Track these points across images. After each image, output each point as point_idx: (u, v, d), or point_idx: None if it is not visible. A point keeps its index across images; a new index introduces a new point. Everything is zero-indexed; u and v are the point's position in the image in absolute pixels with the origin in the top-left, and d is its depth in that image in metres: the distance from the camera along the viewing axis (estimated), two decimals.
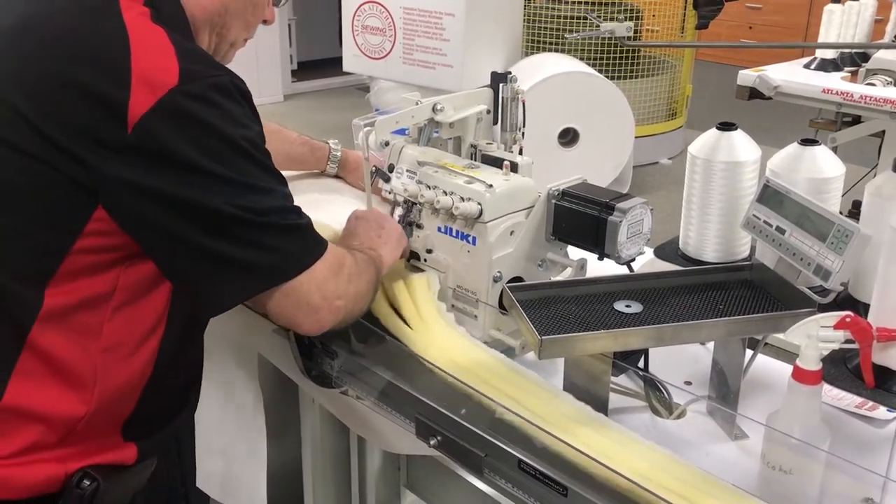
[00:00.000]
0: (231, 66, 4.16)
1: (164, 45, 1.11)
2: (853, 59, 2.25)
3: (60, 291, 1.13)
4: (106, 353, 1.17)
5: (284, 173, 1.23)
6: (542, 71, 2.30)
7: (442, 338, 1.35)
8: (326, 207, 1.78)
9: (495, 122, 1.56)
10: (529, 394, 1.20)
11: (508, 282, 1.38)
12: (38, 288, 1.12)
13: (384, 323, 1.41)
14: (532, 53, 2.61)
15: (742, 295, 1.26)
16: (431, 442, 1.28)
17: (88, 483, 1.17)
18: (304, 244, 1.21)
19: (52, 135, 1.08)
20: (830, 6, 2.29)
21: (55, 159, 1.09)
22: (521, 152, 1.54)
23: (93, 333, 1.15)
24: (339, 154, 2.04)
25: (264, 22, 1.41)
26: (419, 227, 1.48)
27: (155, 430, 1.29)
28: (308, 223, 1.23)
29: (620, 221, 1.32)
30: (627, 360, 1.32)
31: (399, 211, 1.51)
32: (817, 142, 1.50)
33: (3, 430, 1.13)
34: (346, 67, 2.68)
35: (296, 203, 1.22)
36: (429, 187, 1.43)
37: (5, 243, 1.13)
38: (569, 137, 2.34)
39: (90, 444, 1.19)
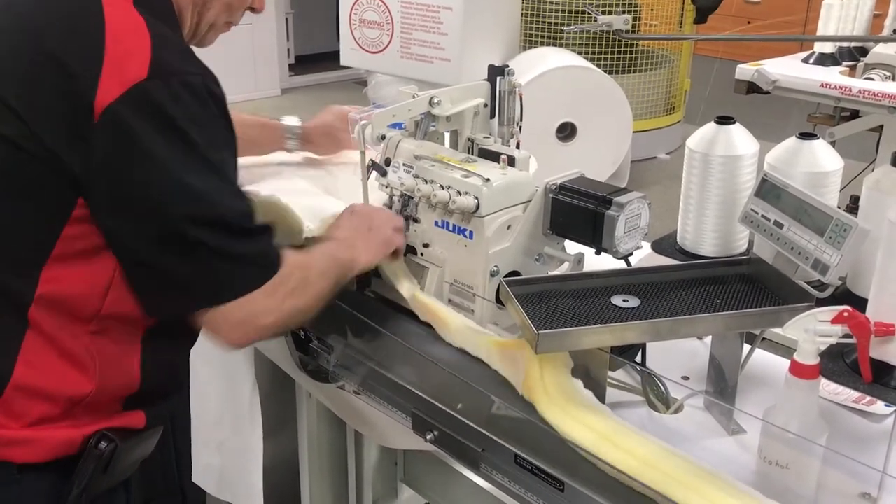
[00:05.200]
0: (229, 60, 4.14)
1: (141, 37, 1.10)
2: (851, 54, 2.25)
3: (54, 276, 1.14)
4: (98, 335, 1.19)
5: (243, 159, 1.23)
6: (540, 65, 2.30)
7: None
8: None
9: (492, 116, 1.55)
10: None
11: (505, 276, 1.38)
12: (33, 272, 1.13)
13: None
14: (530, 47, 2.60)
15: (740, 289, 1.26)
16: (428, 437, 1.28)
17: (106, 444, 1.20)
18: (248, 269, 1.18)
19: (29, 121, 1.09)
20: (829, 0, 2.28)
21: (34, 146, 1.09)
22: (518, 146, 1.53)
23: (86, 316, 1.17)
24: (296, 129, 1.86)
25: (252, 10, 1.40)
26: (416, 221, 1.48)
27: (159, 400, 1.31)
28: (260, 245, 1.20)
29: (618, 216, 1.31)
30: (625, 354, 1.31)
31: (396, 205, 1.51)
32: (815, 135, 1.49)
33: (14, 408, 1.15)
34: (343, 61, 2.67)
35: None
36: (425, 181, 1.43)
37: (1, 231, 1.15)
38: (567, 132, 2.34)
39: (100, 412, 1.21)
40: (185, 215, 1.11)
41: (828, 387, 1.26)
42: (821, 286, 1.21)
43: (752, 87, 2.18)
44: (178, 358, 1.36)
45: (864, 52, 2.21)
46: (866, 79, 2.07)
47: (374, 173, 1.52)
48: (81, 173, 1.09)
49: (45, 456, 1.17)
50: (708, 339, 1.34)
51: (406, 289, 1.44)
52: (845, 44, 2.25)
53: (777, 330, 1.16)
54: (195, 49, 1.30)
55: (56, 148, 1.08)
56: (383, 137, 1.47)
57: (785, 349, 1.33)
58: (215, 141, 1.15)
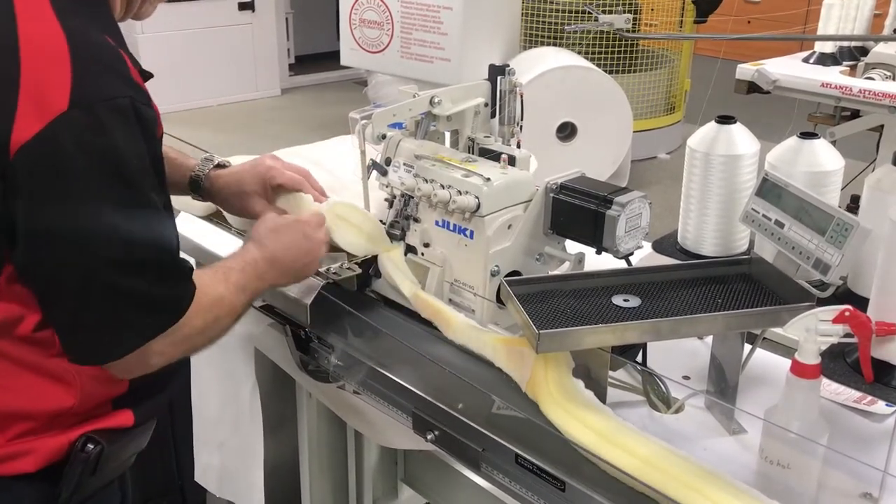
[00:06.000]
0: (229, 60, 4.13)
1: (60, 59, 1.01)
2: (852, 54, 2.25)
3: (5, 307, 1.10)
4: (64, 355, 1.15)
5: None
6: (540, 65, 2.30)
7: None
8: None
9: (493, 116, 1.55)
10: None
11: (506, 276, 1.38)
12: None
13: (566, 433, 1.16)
14: (530, 47, 2.61)
15: (740, 289, 1.26)
16: (429, 437, 1.27)
17: (92, 447, 1.18)
18: (158, 316, 1.12)
19: None
20: (829, 0, 2.28)
21: None
22: (518, 146, 1.53)
23: (45, 342, 1.13)
24: (203, 174, 1.55)
25: None
26: (416, 220, 1.47)
27: (148, 397, 1.28)
28: (177, 290, 1.14)
29: (618, 215, 1.31)
30: (625, 354, 1.31)
31: (397, 204, 1.51)
32: (816, 135, 1.49)
33: None
34: (343, 61, 2.67)
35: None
36: (426, 181, 1.43)
37: None
38: (567, 132, 2.34)
39: (87, 416, 1.19)
40: (104, 259, 1.05)
41: (829, 386, 1.25)
42: (822, 286, 1.21)
43: (752, 87, 2.19)
44: None
45: (864, 51, 2.21)
46: (867, 78, 2.08)
47: (374, 173, 1.52)
48: (2, 211, 1.03)
49: (34, 466, 1.14)
50: (709, 339, 1.34)
51: (407, 287, 1.44)
52: (846, 43, 2.25)
53: (778, 329, 1.16)
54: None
55: None
56: (384, 137, 1.47)
57: (786, 349, 1.33)
58: (142, 171, 1.07)
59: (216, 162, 1.58)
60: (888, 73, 2.07)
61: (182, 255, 1.20)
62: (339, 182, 1.78)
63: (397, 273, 1.47)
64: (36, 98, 0.99)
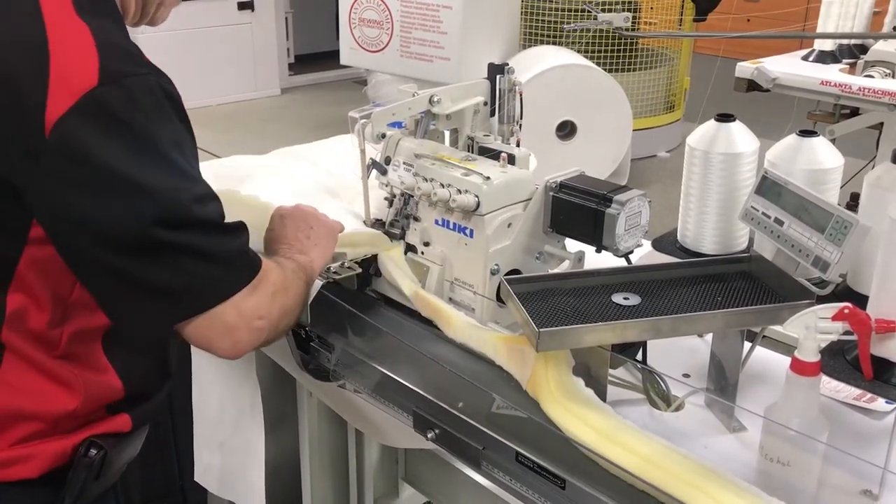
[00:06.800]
0: (229, 60, 4.13)
1: (86, 44, 1.05)
2: (851, 52, 2.25)
3: (19, 299, 1.10)
4: (67, 359, 1.15)
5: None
6: (540, 63, 2.30)
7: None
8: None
9: (492, 115, 1.55)
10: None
11: (506, 274, 1.38)
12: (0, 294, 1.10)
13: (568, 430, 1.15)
14: (530, 46, 2.61)
15: (740, 287, 1.26)
16: (429, 435, 1.28)
17: (95, 452, 1.18)
18: (231, 268, 1.14)
19: None
20: None
21: None
22: (518, 144, 1.53)
23: (54, 340, 1.14)
24: None
25: None
26: (416, 219, 1.48)
27: (143, 401, 1.28)
28: (239, 242, 1.16)
29: (618, 213, 1.31)
30: (625, 352, 1.32)
31: (396, 203, 1.51)
32: (816, 133, 1.50)
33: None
34: (343, 61, 2.68)
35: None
36: (426, 180, 1.43)
37: None
38: (567, 130, 2.34)
39: (87, 420, 1.19)
40: (157, 220, 1.06)
41: (829, 384, 1.26)
42: (821, 283, 1.21)
43: (752, 85, 2.19)
44: (152, 357, 1.32)
45: (864, 49, 2.21)
46: (866, 76, 2.08)
47: (374, 172, 1.52)
48: (32, 194, 1.04)
49: (38, 471, 1.14)
50: (709, 337, 1.34)
51: (407, 286, 1.44)
52: (845, 41, 2.25)
53: (778, 327, 1.16)
54: (149, 29, 1.27)
55: (4, 171, 1.03)
56: (383, 136, 1.47)
57: (785, 346, 1.33)
58: (176, 139, 1.10)
59: None
60: (888, 71, 2.08)
61: None
62: (338, 182, 1.78)
63: (397, 272, 1.47)
64: (66, 80, 1.02)
